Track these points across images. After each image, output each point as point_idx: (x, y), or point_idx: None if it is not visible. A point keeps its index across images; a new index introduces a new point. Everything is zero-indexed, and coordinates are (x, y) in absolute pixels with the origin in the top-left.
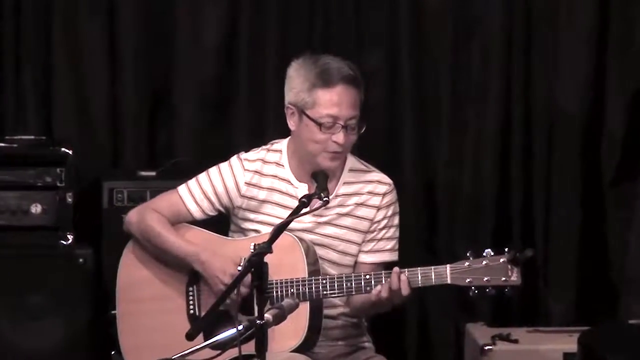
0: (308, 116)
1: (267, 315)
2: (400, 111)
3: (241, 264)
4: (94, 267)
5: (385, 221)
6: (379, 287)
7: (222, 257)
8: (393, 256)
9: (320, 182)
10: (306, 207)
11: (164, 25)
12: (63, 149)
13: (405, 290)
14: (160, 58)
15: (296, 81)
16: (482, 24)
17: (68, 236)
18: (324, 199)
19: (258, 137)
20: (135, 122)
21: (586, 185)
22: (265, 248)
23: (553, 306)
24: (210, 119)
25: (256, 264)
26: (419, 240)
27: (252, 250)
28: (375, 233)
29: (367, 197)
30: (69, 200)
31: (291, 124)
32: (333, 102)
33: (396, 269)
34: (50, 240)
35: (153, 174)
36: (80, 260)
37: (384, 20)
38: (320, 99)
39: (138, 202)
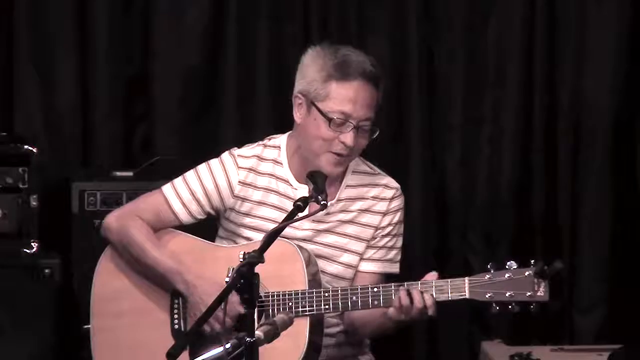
0: (318, 109)
1: (258, 333)
2: (407, 102)
3: (229, 275)
4: (62, 279)
5: (389, 228)
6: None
7: (209, 282)
8: (393, 268)
9: (318, 183)
10: (302, 211)
11: (140, 4)
12: (26, 147)
13: (431, 309)
14: (136, 42)
15: (311, 69)
16: (500, 1)
17: (32, 244)
18: (322, 203)
19: (248, 133)
20: (108, 116)
21: (619, 187)
22: (255, 257)
23: (580, 321)
24: (194, 112)
25: (245, 275)
26: (426, 249)
27: (241, 260)
28: (377, 240)
29: (372, 203)
30: (34, 203)
31: (297, 115)
32: (348, 97)
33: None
34: (11, 248)
35: (130, 174)
36: (47, 271)
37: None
38: (335, 92)
39: (112, 206)
